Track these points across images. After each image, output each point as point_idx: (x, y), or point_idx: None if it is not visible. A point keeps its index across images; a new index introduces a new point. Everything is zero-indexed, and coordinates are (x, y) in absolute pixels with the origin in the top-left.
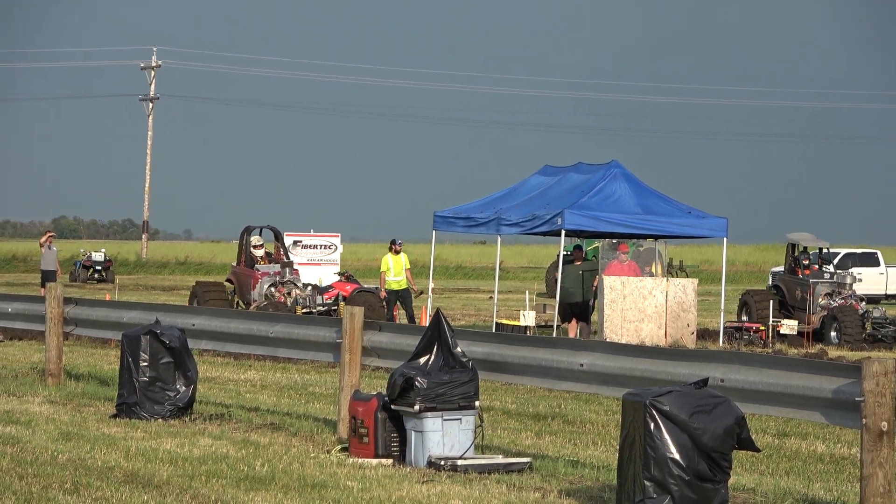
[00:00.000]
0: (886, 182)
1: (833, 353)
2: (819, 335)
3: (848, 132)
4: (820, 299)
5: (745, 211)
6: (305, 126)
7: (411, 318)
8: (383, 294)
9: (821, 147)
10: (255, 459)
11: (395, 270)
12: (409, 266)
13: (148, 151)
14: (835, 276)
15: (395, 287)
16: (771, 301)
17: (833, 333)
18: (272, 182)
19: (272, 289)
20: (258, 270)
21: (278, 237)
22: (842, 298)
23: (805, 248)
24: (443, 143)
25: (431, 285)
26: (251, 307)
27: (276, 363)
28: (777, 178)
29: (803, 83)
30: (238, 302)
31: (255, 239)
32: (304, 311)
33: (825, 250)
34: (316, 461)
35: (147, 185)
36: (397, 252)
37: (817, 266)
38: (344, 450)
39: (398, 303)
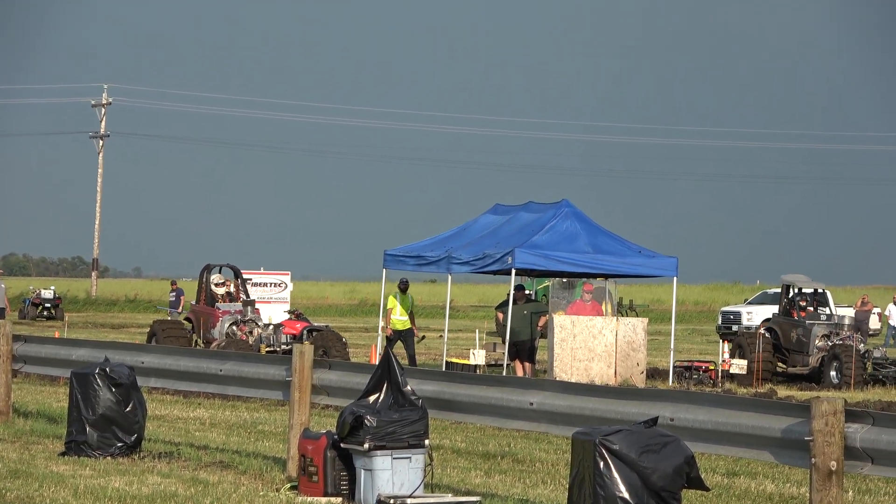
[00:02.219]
0: (837, 222)
1: (833, 393)
2: (817, 376)
3: (798, 172)
4: (817, 341)
5: (695, 251)
6: (255, 164)
7: (412, 358)
8: (389, 332)
9: (771, 187)
10: (204, 498)
11: (401, 309)
12: (413, 308)
13: (98, 189)
14: (832, 318)
15: (400, 327)
16: (756, 338)
17: (833, 373)
18: (223, 220)
19: (234, 327)
20: (219, 309)
21: (238, 275)
22: (840, 339)
23: (800, 289)
24: (393, 181)
25: (381, 324)
26: (212, 346)
27: (225, 401)
28: (727, 218)
29: (752, 124)
30: (198, 340)
31: (216, 277)
32: (268, 349)
33: (820, 291)
34: (265, 500)
35: (97, 222)
36: (404, 291)
37: (812, 308)
38: (293, 488)
39: (400, 342)
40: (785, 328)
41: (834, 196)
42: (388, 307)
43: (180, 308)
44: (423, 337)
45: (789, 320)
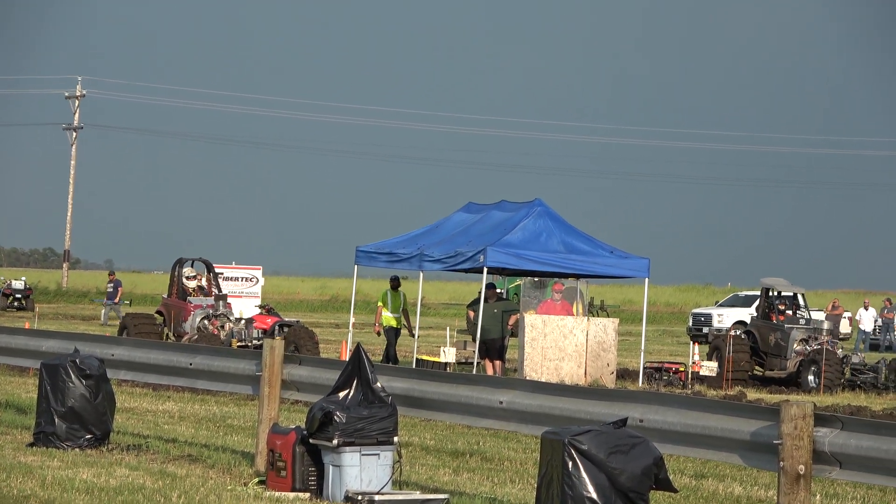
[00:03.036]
0: (809, 226)
1: (809, 397)
2: (795, 381)
3: (771, 176)
4: (795, 345)
5: (667, 252)
6: (229, 158)
7: (393, 357)
8: (377, 329)
9: (745, 190)
10: (172, 491)
11: (392, 306)
12: (406, 306)
13: (70, 181)
14: (811, 322)
15: (395, 324)
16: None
17: (811, 378)
18: (195, 213)
19: (205, 321)
20: (191, 303)
21: (210, 269)
22: (818, 343)
23: (779, 292)
24: (366, 178)
25: (352, 320)
26: (183, 340)
27: (195, 395)
28: (700, 220)
29: (728, 126)
30: (169, 334)
31: (188, 271)
32: (240, 344)
33: (799, 295)
34: (233, 494)
35: (69, 214)
36: (395, 288)
37: (791, 312)
38: (261, 483)
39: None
40: (763, 331)
41: (806, 200)
42: (379, 304)
43: (117, 299)
44: (415, 336)
45: (768, 323)
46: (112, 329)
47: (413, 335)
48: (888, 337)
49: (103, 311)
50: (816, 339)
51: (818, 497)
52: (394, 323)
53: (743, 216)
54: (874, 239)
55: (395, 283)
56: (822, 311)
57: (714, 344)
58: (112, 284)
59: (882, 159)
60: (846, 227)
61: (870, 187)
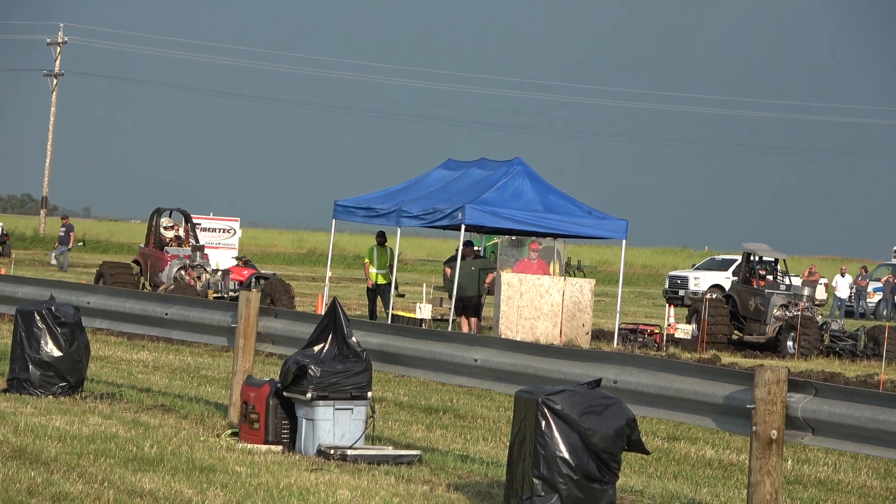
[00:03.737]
0: (788, 192)
1: (784, 363)
2: (773, 346)
3: (755, 140)
4: (775, 310)
5: (645, 214)
6: (209, 109)
7: (372, 314)
8: (370, 283)
9: (725, 155)
10: (145, 440)
11: (378, 262)
12: (394, 262)
13: (50, 127)
14: (791, 288)
15: (380, 280)
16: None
17: (790, 343)
18: (174, 163)
19: (182, 272)
20: (168, 253)
21: (188, 220)
22: (798, 310)
23: (761, 258)
24: (347, 132)
25: (329, 274)
26: (160, 289)
27: (169, 345)
28: (679, 183)
29: (710, 90)
30: (145, 283)
31: (166, 221)
32: (216, 295)
33: (781, 261)
34: (205, 445)
35: (48, 160)
36: (381, 244)
37: (772, 277)
38: (234, 434)
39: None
40: (743, 296)
41: (785, 167)
42: (366, 260)
43: (70, 244)
44: (403, 294)
45: (748, 288)
46: (74, 275)
47: (399, 293)
48: (861, 304)
49: (53, 254)
50: (796, 305)
51: (790, 462)
52: (379, 279)
53: (722, 181)
54: (852, 206)
55: (382, 239)
56: (798, 276)
57: (693, 307)
58: (64, 229)
59: (863, 127)
60: (824, 193)
61: (849, 155)
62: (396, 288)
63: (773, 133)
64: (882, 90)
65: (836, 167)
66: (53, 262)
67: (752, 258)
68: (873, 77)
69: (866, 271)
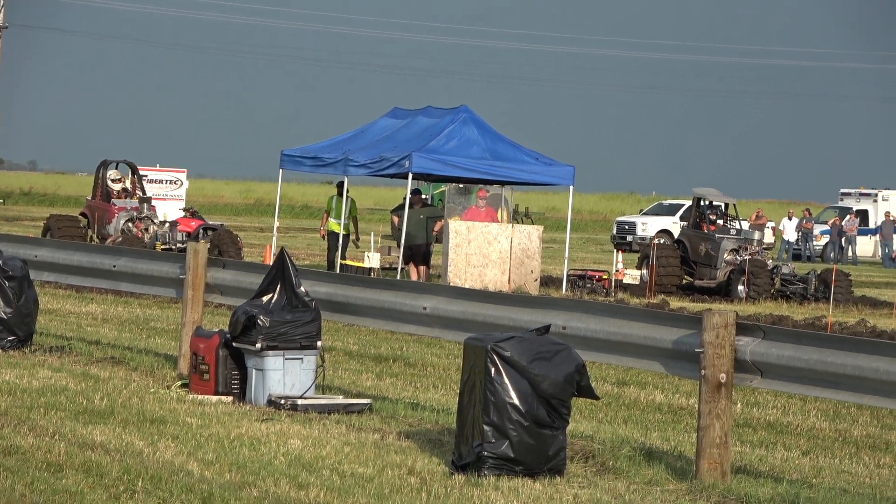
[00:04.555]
0: (733, 135)
1: (733, 306)
2: (725, 290)
3: (695, 85)
4: (726, 254)
5: (592, 160)
6: (154, 61)
7: (331, 263)
8: (322, 233)
9: (669, 99)
10: (95, 393)
11: (336, 212)
12: (356, 213)
13: None
14: (742, 233)
15: (337, 230)
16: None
17: (740, 287)
18: (119, 115)
19: (129, 224)
20: (115, 205)
21: (134, 172)
22: (749, 254)
23: (711, 202)
24: (292, 82)
25: (277, 224)
26: (107, 242)
27: (118, 297)
28: (625, 128)
29: (655, 35)
30: (93, 236)
31: (113, 173)
32: (164, 247)
33: (731, 205)
34: (156, 396)
35: None
36: (340, 195)
37: (722, 221)
38: (184, 386)
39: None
40: (694, 241)
41: (730, 111)
42: (325, 210)
43: None
44: (359, 246)
45: (698, 233)
46: (22, 228)
47: (357, 245)
48: (808, 247)
49: None
50: (747, 249)
51: (739, 406)
52: (336, 229)
53: (668, 126)
54: (798, 150)
55: (340, 189)
56: (745, 220)
57: (644, 252)
58: None
59: (808, 70)
60: (770, 137)
61: (794, 98)
62: (357, 240)
63: (717, 78)
64: (827, 35)
65: (782, 111)
66: None
67: (701, 203)
68: (817, 22)
69: (810, 214)
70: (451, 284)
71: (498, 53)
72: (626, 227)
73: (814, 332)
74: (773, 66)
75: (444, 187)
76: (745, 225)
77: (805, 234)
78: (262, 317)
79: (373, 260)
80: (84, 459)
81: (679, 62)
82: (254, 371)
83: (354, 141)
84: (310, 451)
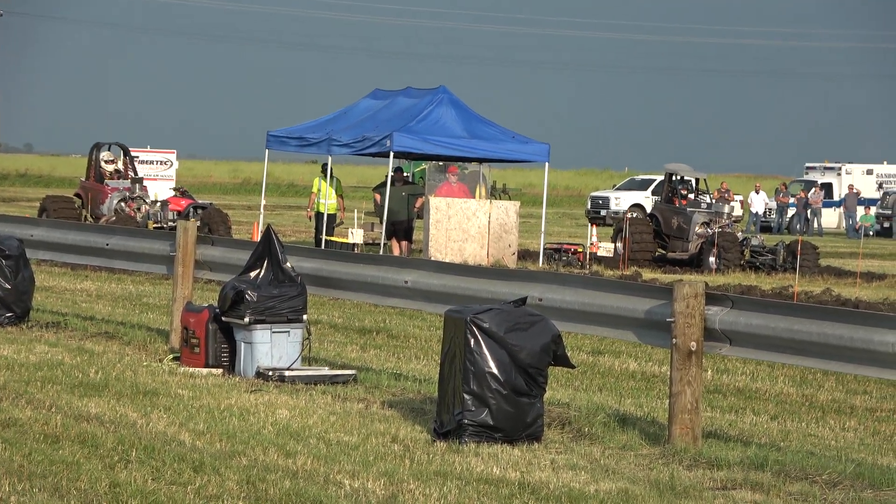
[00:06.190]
0: (702, 112)
1: (703, 277)
2: (696, 262)
3: (664, 64)
4: (697, 227)
5: (566, 138)
6: (145, 47)
7: (318, 241)
8: (309, 214)
9: (639, 78)
10: (90, 367)
11: (323, 193)
12: (341, 193)
13: None
14: (712, 206)
15: (323, 210)
16: (620, 222)
17: (711, 259)
18: (112, 99)
19: (122, 204)
20: (108, 186)
21: (126, 153)
22: (719, 227)
23: (682, 177)
24: (279, 66)
25: (263, 202)
26: (101, 221)
27: (111, 274)
28: (598, 106)
29: (624, 16)
30: (87, 216)
31: (106, 154)
32: (155, 225)
33: (702, 180)
34: (148, 369)
35: None
36: (326, 176)
37: (693, 196)
38: (176, 359)
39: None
40: (666, 215)
41: (700, 88)
42: (313, 191)
43: None
44: (342, 222)
45: (670, 207)
46: (18, 208)
47: (339, 223)
48: (781, 220)
49: None
50: (717, 222)
51: (709, 373)
52: (321, 208)
53: (639, 103)
54: (764, 126)
55: (325, 171)
56: (709, 195)
57: (617, 226)
58: None
59: (771, 49)
60: (737, 114)
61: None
62: (341, 222)
63: (686, 57)
64: (791, 14)
65: (748, 89)
66: None
67: (673, 178)
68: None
69: (786, 188)
70: (432, 259)
71: (474, 36)
72: (600, 201)
73: (781, 302)
74: (739, 44)
75: (424, 165)
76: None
77: (780, 208)
78: (249, 292)
79: (356, 236)
80: (80, 431)
81: (648, 43)
82: (242, 344)
83: (337, 121)
84: (297, 421)
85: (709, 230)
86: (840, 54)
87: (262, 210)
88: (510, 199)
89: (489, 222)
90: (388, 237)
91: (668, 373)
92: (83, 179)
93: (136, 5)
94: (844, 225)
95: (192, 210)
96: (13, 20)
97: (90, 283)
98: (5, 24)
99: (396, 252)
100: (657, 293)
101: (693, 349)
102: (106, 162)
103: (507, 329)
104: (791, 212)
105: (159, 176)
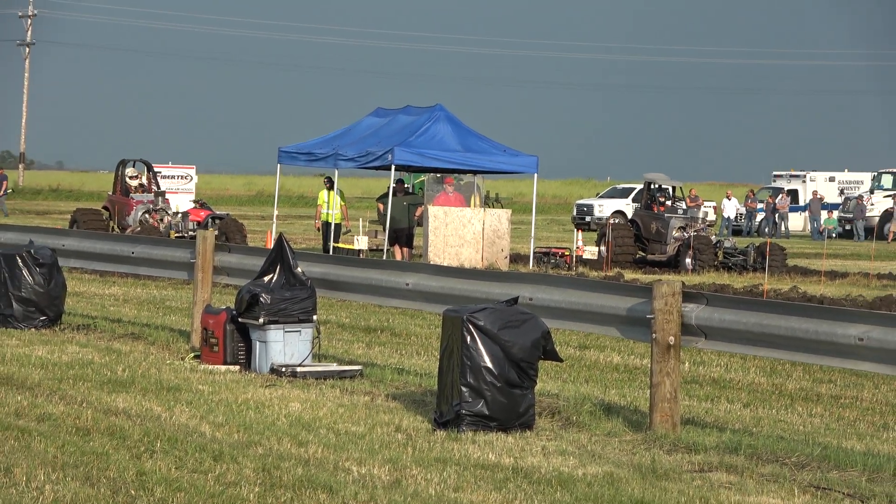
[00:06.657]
0: (675, 125)
1: (680, 277)
2: (674, 263)
3: (641, 81)
4: (674, 232)
5: (553, 150)
6: (167, 70)
7: (326, 249)
8: (317, 225)
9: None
10: (118, 365)
11: (329, 204)
12: (344, 202)
13: (24, 91)
14: (688, 212)
15: (330, 220)
16: (597, 227)
17: (688, 260)
18: (136, 119)
19: (146, 215)
20: (133, 199)
21: (150, 169)
22: (695, 231)
23: (660, 185)
24: (290, 87)
25: (276, 213)
26: (127, 231)
27: (137, 280)
28: (583, 122)
29: (604, 38)
30: (114, 227)
31: (131, 170)
32: (177, 235)
33: (679, 188)
34: (171, 367)
35: (24, 120)
36: (331, 189)
37: (670, 202)
38: (196, 357)
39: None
40: (645, 220)
41: (675, 103)
42: (318, 203)
43: (1, 192)
44: (349, 230)
45: (649, 213)
46: (51, 220)
47: (349, 230)
48: (751, 223)
49: None
50: (693, 226)
51: (687, 365)
52: (329, 218)
53: (620, 118)
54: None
55: (329, 184)
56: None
57: (601, 231)
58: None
59: (738, 67)
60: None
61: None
62: (349, 231)
63: (663, 75)
64: (755, 33)
65: (721, 103)
66: None
67: (652, 186)
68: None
69: (754, 195)
70: (431, 263)
71: (468, 58)
72: (585, 209)
73: (751, 299)
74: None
75: (423, 177)
76: (683, 206)
77: (750, 213)
78: (264, 295)
79: (361, 242)
80: (109, 424)
81: (629, 62)
82: (257, 343)
83: (343, 138)
84: (308, 413)
85: (685, 234)
86: (803, 71)
87: (274, 220)
88: (502, 208)
89: (483, 229)
90: (391, 243)
91: (649, 365)
92: (110, 193)
93: (161, 34)
94: (809, 228)
95: (210, 220)
96: (43, 48)
97: (117, 288)
98: (37, 53)
99: (398, 257)
100: (638, 292)
101: (671, 343)
102: (131, 177)
103: (500, 326)
104: (760, 216)
105: (180, 189)
